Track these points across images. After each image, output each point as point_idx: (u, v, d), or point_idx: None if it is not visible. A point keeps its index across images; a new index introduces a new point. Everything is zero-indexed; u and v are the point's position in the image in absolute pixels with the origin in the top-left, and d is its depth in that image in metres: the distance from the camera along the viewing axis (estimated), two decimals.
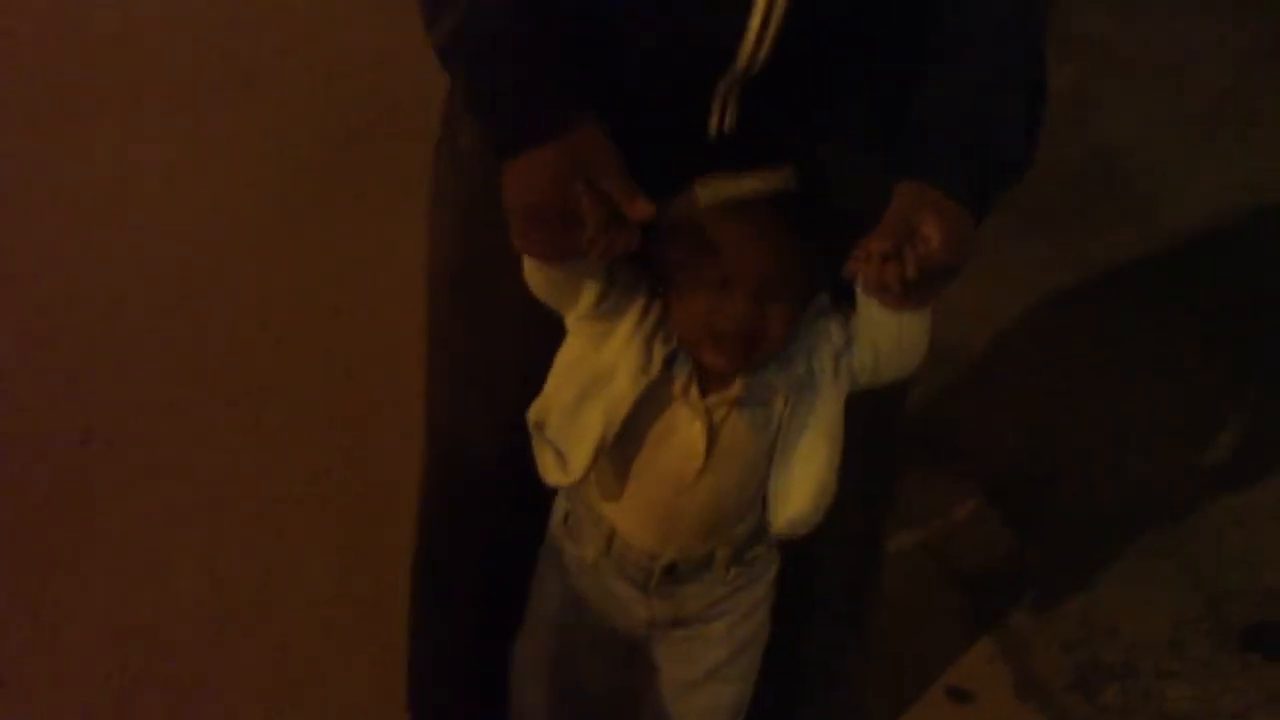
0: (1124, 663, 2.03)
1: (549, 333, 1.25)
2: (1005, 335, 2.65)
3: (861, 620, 1.70)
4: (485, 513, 1.52)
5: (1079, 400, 2.50)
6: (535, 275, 1.18)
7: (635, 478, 1.28)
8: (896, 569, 2.11)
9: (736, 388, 1.23)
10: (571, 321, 1.23)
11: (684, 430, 1.25)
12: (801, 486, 1.27)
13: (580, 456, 1.24)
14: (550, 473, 1.26)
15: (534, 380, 1.26)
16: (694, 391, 1.23)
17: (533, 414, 1.26)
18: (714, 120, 1.17)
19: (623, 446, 1.26)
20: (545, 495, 1.37)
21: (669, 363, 1.22)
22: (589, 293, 1.19)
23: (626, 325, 1.22)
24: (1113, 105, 3.12)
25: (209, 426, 2.32)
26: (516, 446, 1.28)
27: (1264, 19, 3.48)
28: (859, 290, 1.18)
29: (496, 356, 1.39)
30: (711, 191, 1.17)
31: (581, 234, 1.08)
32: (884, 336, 1.21)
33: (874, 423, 1.32)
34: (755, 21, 1.10)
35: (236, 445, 2.29)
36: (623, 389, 1.22)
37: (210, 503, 2.19)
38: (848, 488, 1.29)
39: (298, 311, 2.54)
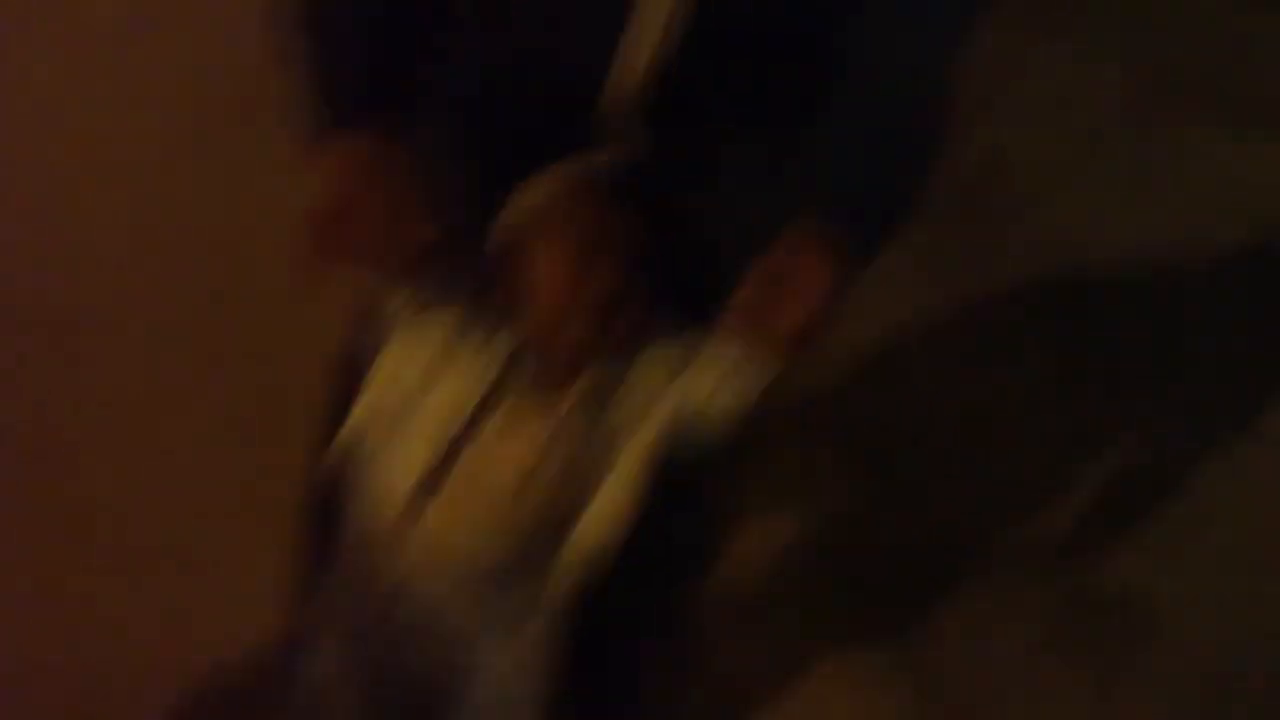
0: None
1: None
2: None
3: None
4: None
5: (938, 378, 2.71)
6: None
7: (467, 471, 1.28)
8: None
9: (581, 384, 1.26)
10: (394, 311, 1.28)
11: (526, 425, 1.27)
12: (602, 507, 1.28)
13: (416, 458, 1.27)
14: (393, 474, 1.29)
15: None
16: (539, 386, 1.26)
17: (357, 421, 1.29)
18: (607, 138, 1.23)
19: (460, 443, 1.28)
20: None
21: (510, 363, 1.26)
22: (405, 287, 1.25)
23: (445, 329, 1.25)
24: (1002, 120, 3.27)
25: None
26: None
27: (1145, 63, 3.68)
28: (724, 328, 1.19)
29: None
30: (533, 186, 1.22)
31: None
32: (733, 376, 1.23)
33: None
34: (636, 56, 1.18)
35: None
36: (464, 389, 1.25)
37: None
38: None
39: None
